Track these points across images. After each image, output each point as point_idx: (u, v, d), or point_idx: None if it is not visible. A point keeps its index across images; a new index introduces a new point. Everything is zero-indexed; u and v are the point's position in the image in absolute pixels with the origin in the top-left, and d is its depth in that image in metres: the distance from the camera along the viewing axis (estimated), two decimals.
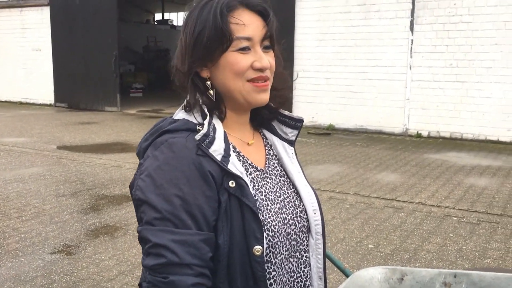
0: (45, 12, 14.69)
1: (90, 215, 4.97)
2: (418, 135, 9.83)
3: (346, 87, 10.52)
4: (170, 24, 24.45)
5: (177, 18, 28.33)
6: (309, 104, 10.96)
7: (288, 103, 1.21)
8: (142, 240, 1.00)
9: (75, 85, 14.36)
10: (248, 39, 1.05)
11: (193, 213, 0.98)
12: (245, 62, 1.05)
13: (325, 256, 1.22)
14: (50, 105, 15.00)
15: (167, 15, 26.01)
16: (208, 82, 1.08)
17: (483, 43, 9.12)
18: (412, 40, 9.77)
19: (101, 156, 7.81)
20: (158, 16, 25.64)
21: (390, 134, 10.07)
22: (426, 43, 9.65)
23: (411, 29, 9.75)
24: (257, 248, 1.03)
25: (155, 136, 1.06)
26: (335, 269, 3.34)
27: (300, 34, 10.92)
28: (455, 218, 4.93)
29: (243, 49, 1.05)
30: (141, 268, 1.03)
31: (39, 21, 14.90)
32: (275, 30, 1.11)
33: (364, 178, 6.51)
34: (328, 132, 10.37)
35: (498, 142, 9.10)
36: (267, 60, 1.07)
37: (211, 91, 1.08)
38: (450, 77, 9.48)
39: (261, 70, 1.06)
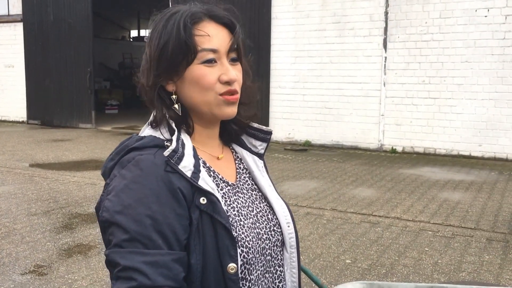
0: (18, 28, 14.49)
1: (63, 234, 4.85)
2: (393, 151, 9.96)
3: (322, 104, 10.63)
4: (146, 40, 24.36)
5: None
6: (285, 120, 11.02)
7: (257, 117, 1.19)
8: (111, 263, 0.95)
9: (49, 102, 14.14)
10: (214, 51, 1.03)
11: (164, 232, 0.94)
12: (212, 76, 1.03)
13: (300, 269, 1.20)
14: (22, 122, 14.71)
15: (143, 32, 25.95)
16: (174, 96, 1.06)
17: (454, 61, 9.36)
18: (385, 58, 9.97)
19: (74, 174, 7.67)
20: (134, 33, 25.58)
21: (366, 150, 10.18)
22: (399, 60, 9.85)
23: (385, 46, 9.95)
24: (231, 266, 1.00)
25: (121, 154, 1.03)
26: (313, 285, 3.32)
27: (276, 51, 11.03)
28: (430, 232, 4.98)
29: (209, 62, 1.03)
30: None
31: (12, 37, 14.68)
32: (242, 43, 1.09)
33: (340, 193, 6.54)
34: (304, 148, 10.43)
35: (470, 157, 9.29)
36: (234, 73, 1.05)
37: (176, 106, 1.06)
38: (422, 94, 9.68)
39: (228, 83, 1.04)
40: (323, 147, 10.52)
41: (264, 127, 1.21)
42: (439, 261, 4.23)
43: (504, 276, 3.92)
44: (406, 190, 6.70)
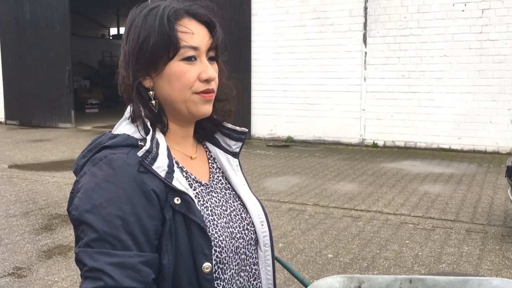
0: None
1: (42, 235, 4.78)
2: (374, 145, 10.04)
3: (303, 99, 10.66)
4: (123, 35, 24.14)
5: None
6: (267, 116, 11.02)
7: (232, 113, 1.19)
8: (79, 263, 0.94)
9: (27, 102, 13.92)
10: (195, 48, 1.02)
11: (134, 234, 0.93)
12: (192, 74, 1.02)
13: (274, 267, 1.20)
14: (0, 123, 14.45)
15: (122, 30, 25.70)
16: (151, 92, 1.04)
17: (432, 55, 9.46)
18: (365, 53, 10.03)
19: (54, 174, 7.56)
20: (113, 31, 25.30)
21: (348, 145, 10.25)
22: (379, 55, 9.92)
23: (364, 41, 10.01)
24: (206, 265, 1.00)
25: (94, 152, 1.01)
26: (295, 280, 3.33)
27: (256, 48, 11.01)
28: (411, 225, 5.03)
29: (189, 59, 1.02)
30: None
31: None
32: (221, 42, 1.09)
33: (322, 188, 6.57)
34: (286, 144, 10.45)
35: (450, 150, 9.41)
36: (213, 71, 1.05)
37: (153, 102, 1.04)
38: (402, 88, 9.77)
39: (207, 81, 1.03)
40: (305, 143, 10.56)
41: (238, 128, 1.20)
42: (420, 253, 4.28)
43: (483, 266, 3.98)
44: (387, 184, 6.76)
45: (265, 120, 11.02)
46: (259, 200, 1.20)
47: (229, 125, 1.20)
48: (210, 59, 1.06)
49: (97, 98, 18.63)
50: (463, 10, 9.16)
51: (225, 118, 1.18)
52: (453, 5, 9.21)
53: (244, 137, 1.21)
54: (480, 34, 9.07)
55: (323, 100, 10.47)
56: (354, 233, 4.82)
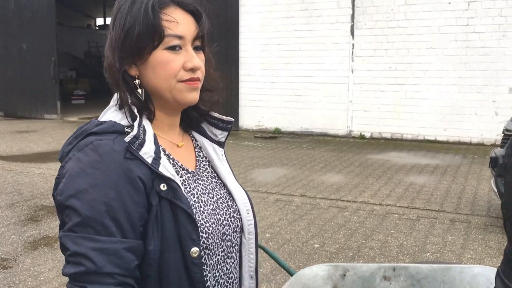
0: None
1: (28, 226, 4.75)
2: (361, 137, 10.10)
3: (291, 91, 10.67)
4: (110, 22, 23.89)
5: None
6: (255, 108, 11.02)
7: (220, 104, 1.20)
8: (63, 247, 0.94)
9: (12, 93, 13.74)
10: (180, 37, 1.02)
11: (118, 220, 0.93)
12: (176, 63, 1.02)
13: (257, 256, 1.21)
14: None
15: (109, 20, 25.43)
16: (137, 81, 1.05)
17: (419, 47, 9.51)
18: (353, 45, 10.05)
19: (40, 166, 7.50)
20: (100, 21, 25.03)
21: (335, 136, 10.30)
22: (366, 47, 9.95)
23: (352, 33, 10.03)
24: (194, 250, 1.01)
25: (80, 139, 1.01)
26: (282, 270, 3.36)
27: (244, 39, 10.98)
28: (396, 215, 5.09)
29: (174, 48, 1.02)
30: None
31: None
32: (207, 32, 1.09)
33: (310, 179, 6.60)
34: (274, 135, 10.47)
35: (435, 142, 9.51)
36: (199, 60, 1.05)
37: (139, 90, 1.04)
38: (389, 80, 9.82)
39: (192, 70, 1.04)
40: (292, 135, 10.59)
41: (224, 117, 1.21)
42: (404, 242, 4.33)
43: (466, 255, 4.05)
44: (373, 175, 6.82)
45: (253, 112, 11.02)
46: (244, 189, 1.21)
47: (216, 114, 1.20)
48: (196, 48, 1.07)
49: (83, 89, 18.45)
50: (449, 3, 9.21)
51: (212, 109, 1.19)
52: None
53: (230, 127, 1.22)
54: (466, 26, 9.14)
55: (310, 92, 10.49)
56: (340, 223, 4.87)
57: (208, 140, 1.20)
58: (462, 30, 9.17)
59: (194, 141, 1.20)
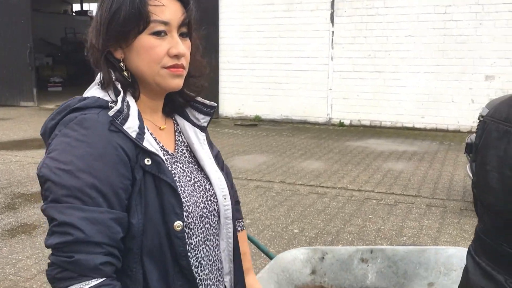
0: None
1: (5, 214, 4.69)
2: (341, 124, 10.18)
3: (271, 78, 10.67)
4: (90, 15, 23.45)
5: None
6: (235, 95, 11.00)
7: (206, 89, 1.20)
8: (49, 219, 0.94)
9: None
10: (165, 23, 1.03)
11: (105, 191, 0.94)
12: (161, 48, 1.03)
13: (236, 239, 1.23)
14: None
15: (86, 6, 24.96)
16: (122, 64, 1.05)
17: (398, 35, 9.59)
18: (333, 32, 10.08)
19: (16, 153, 7.38)
20: (76, 7, 24.55)
21: (315, 124, 10.36)
22: (346, 34, 9.99)
23: (332, 21, 10.05)
24: (178, 223, 1.02)
25: (63, 114, 1.01)
26: (262, 254, 3.40)
27: (224, 26, 10.91)
28: (374, 201, 5.17)
29: (159, 34, 1.02)
30: None
31: None
32: (194, 19, 1.09)
33: (289, 166, 6.65)
34: (254, 123, 10.47)
35: (413, 129, 9.64)
36: (183, 47, 1.05)
37: (125, 73, 1.05)
38: (369, 68, 9.90)
39: (177, 57, 1.04)
40: (273, 122, 10.61)
41: (207, 101, 1.21)
42: (382, 227, 4.41)
43: (442, 239, 4.14)
44: (352, 162, 6.90)
45: (233, 99, 11.00)
46: (224, 175, 1.21)
47: (199, 98, 1.21)
48: (182, 35, 1.07)
49: (60, 76, 18.10)
50: None
51: (197, 94, 1.20)
52: None
53: (213, 112, 1.23)
54: (444, 14, 9.24)
55: (290, 79, 10.51)
56: (320, 209, 4.92)
57: (190, 124, 1.21)
58: (440, 18, 9.27)
59: (175, 125, 1.21)
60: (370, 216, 4.69)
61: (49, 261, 0.93)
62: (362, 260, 2.42)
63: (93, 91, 1.07)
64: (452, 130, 9.39)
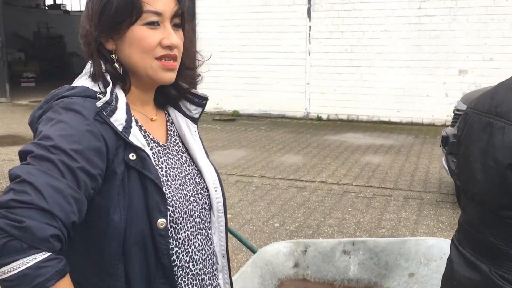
0: None
1: None
2: (319, 118, 10.25)
3: (249, 73, 10.66)
4: (63, 9, 23.03)
5: (71, 2, 26.72)
6: (212, 90, 10.93)
7: (201, 79, 1.20)
8: (11, 178, 0.87)
9: None
10: (158, 14, 1.02)
11: (76, 171, 0.90)
12: (153, 39, 1.02)
13: (227, 233, 1.22)
14: None
15: (59, 0, 24.46)
16: (113, 55, 1.04)
17: (374, 30, 9.69)
18: (310, 27, 10.12)
19: None
20: (49, 1, 24.03)
21: (293, 118, 10.40)
22: (323, 29, 10.05)
23: (309, 16, 10.09)
24: (161, 221, 1.01)
25: (51, 103, 1.00)
26: (243, 248, 3.41)
27: (201, 20, 10.84)
28: (353, 194, 5.23)
29: (152, 24, 1.01)
30: None
31: None
32: (187, 10, 1.08)
33: (269, 161, 6.67)
34: (233, 118, 10.46)
35: (389, 123, 9.78)
36: (177, 38, 1.04)
37: (116, 65, 1.04)
38: (345, 62, 9.98)
39: (169, 47, 1.03)
40: (251, 117, 10.61)
41: (199, 92, 1.21)
42: (361, 220, 4.47)
43: (419, 230, 4.22)
44: (331, 156, 6.96)
45: (211, 94, 10.66)
46: (214, 167, 1.21)
47: (192, 90, 1.20)
48: (175, 26, 1.06)
49: (33, 72, 17.73)
50: None
51: (194, 85, 1.19)
52: None
53: (205, 103, 1.22)
54: (419, 9, 9.38)
55: (268, 74, 10.52)
56: (300, 202, 4.96)
57: (182, 115, 1.20)
58: (415, 14, 9.41)
59: (167, 115, 1.20)
60: (349, 209, 4.75)
61: None
62: (344, 252, 2.45)
63: (82, 81, 1.06)
64: (426, 123, 9.55)
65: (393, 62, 9.68)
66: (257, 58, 10.55)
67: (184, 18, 1.08)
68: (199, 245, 1.13)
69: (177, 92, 1.18)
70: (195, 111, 1.21)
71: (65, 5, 24.00)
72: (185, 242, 1.09)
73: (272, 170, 6.18)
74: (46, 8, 23.39)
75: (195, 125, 1.22)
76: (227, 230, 1.23)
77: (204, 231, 1.15)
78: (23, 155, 0.92)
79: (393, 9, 9.51)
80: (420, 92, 9.59)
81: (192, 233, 1.11)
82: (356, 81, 9.97)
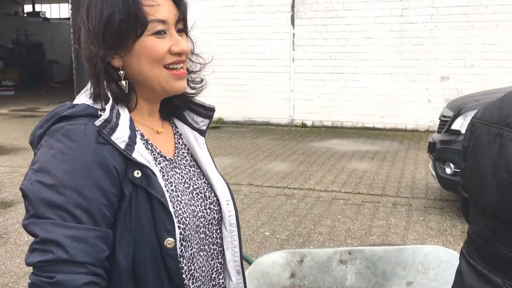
0: None
1: None
2: (303, 125, 10.28)
3: (233, 80, 10.64)
4: (42, 16, 22.75)
5: (50, 9, 26.44)
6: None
7: (204, 86, 1.18)
8: (30, 235, 0.90)
9: None
10: (163, 22, 0.99)
11: (89, 208, 0.89)
12: (162, 47, 0.99)
13: (241, 248, 1.18)
14: None
15: (38, 7, 24.17)
16: (122, 72, 1.00)
17: (357, 37, 9.78)
18: (293, 34, 10.17)
19: None
20: (28, 8, 23.72)
21: (277, 125, 10.41)
22: (306, 36, 10.10)
23: (292, 23, 10.13)
24: (169, 240, 0.97)
25: (51, 122, 0.96)
26: None
27: None
28: (342, 201, 5.24)
29: (159, 33, 0.99)
30: (28, 278, 0.93)
31: None
32: (188, 13, 1.07)
33: (255, 168, 6.65)
34: (217, 125, 10.42)
35: (373, 129, 9.85)
36: (185, 43, 1.03)
37: (123, 82, 1.00)
38: (329, 69, 10.04)
39: (179, 54, 1.01)
40: (235, 124, 10.59)
41: (206, 103, 1.18)
42: (351, 227, 4.47)
43: (409, 236, 4.24)
44: (317, 162, 6.97)
45: None
46: (224, 179, 1.18)
47: (197, 100, 1.18)
48: (179, 31, 1.04)
49: (12, 80, 17.45)
50: None
51: (198, 91, 1.16)
52: None
53: (212, 114, 1.19)
54: (401, 17, 9.49)
55: (252, 81, 10.52)
56: (289, 210, 4.94)
57: (189, 128, 1.17)
58: (397, 21, 9.52)
59: (174, 128, 1.17)
60: (339, 217, 4.75)
61: (30, 281, 0.88)
62: (341, 261, 2.43)
63: (83, 98, 1.02)
64: (410, 129, 9.65)
65: (376, 69, 9.77)
66: (241, 65, 10.55)
67: (186, 22, 1.07)
68: (200, 261, 1.09)
69: (182, 101, 1.15)
70: (202, 123, 1.19)
71: (45, 12, 23.73)
72: (190, 260, 1.06)
73: (259, 177, 6.16)
74: (25, 15, 23.10)
75: (203, 137, 1.19)
76: (241, 244, 1.19)
77: (206, 246, 1.12)
78: (29, 195, 0.91)
79: (375, 17, 9.61)
80: (403, 98, 9.69)
81: (196, 250, 1.07)
82: (340, 88, 10.03)
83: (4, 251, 3.90)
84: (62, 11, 26.92)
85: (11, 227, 4.40)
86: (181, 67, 1.03)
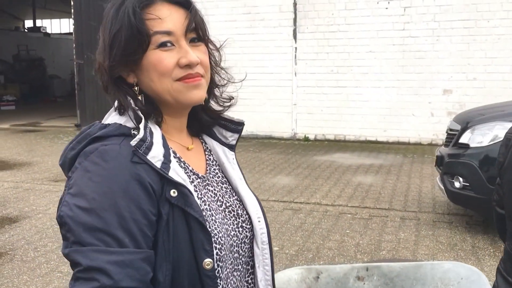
0: None
1: None
2: (306, 139, 10.27)
3: (235, 94, 10.63)
4: (43, 31, 22.86)
5: (51, 25, 26.61)
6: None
7: (233, 102, 1.15)
8: (72, 264, 0.87)
9: None
10: (168, 33, 0.96)
11: (131, 230, 0.87)
12: (169, 60, 0.96)
13: (273, 267, 1.15)
14: None
15: (39, 22, 24.30)
16: (136, 88, 0.98)
17: (359, 50, 9.82)
18: (296, 48, 10.20)
19: None
20: (29, 23, 23.85)
21: (280, 139, 10.39)
22: (308, 50, 10.13)
23: (294, 37, 10.18)
24: (207, 261, 0.95)
25: (84, 144, 0.94)
26: None
27: None
28: (349, 215, 5.20)
29: (165, 45, 0.96)
30: None
31: None
32: (202, 21, 1.02)
33: (260, 182, 6.61)
34: None
35: (376, 142, 9.84)
36: (195, 55, 0.98)
37: (139, 97, 0.98)
38: (331, 83, 10.06)
39: (189, 66, 0.97)
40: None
41: (235, 118, 1.16)
42: (360, 242, 4.43)
43: (420, 251, 4.20)
44: (322, 176, 6.94)
45: None
46: (255, 196, 1.15)
47: (226, 115, 1.15)
48: (193, 41, 1.00)
49: (13, 95, 17.46)
50: (386, 8, 9.58)
51: (226, 107, 1.13)
52: (377, 2, 9.61)
53: (241, 128, 1.17)
54: (403, 31, 9.54)
55: (255, 95, 10.53)
56: (297, 225, 4.90)
57: (218, 143, 1.15)
58: (399, 35, 9.56)
59: (203, 144, 1.14)
60: (347, 231, 4.71)
61: None
62: (358, 278, 2.39)
63: (113, 117, 0.99)
64: (413, 142, 9.64)
65: (379, 82, 9.79)
66: (244, 80, 10.54)
67: (203, 30, 1.02)
68: (234, 282, 1.06)
69: (210, 118, 1.13)
70: (231, 137, 1.16)
71: (45, 27, 23.86)
72: (224, 279, 1.02)
73: (265, 191, 6.12)
74: (26, 30, 23.20)
75: (233, 153, 1.17)
76: (273, 262, 1.16)
77: (240, 266, 1.09)
78: (65, 224, 0.88)
79: (377, 31, 9.66)
80: (406, 112, 9.69)
81: (230, 270, 1.04)
82: (342, 101, 10.04)
83: (10, 268, 3.84)
84: (63, 26, 27.06)
85: (17, 243, 4.35)
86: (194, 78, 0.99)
